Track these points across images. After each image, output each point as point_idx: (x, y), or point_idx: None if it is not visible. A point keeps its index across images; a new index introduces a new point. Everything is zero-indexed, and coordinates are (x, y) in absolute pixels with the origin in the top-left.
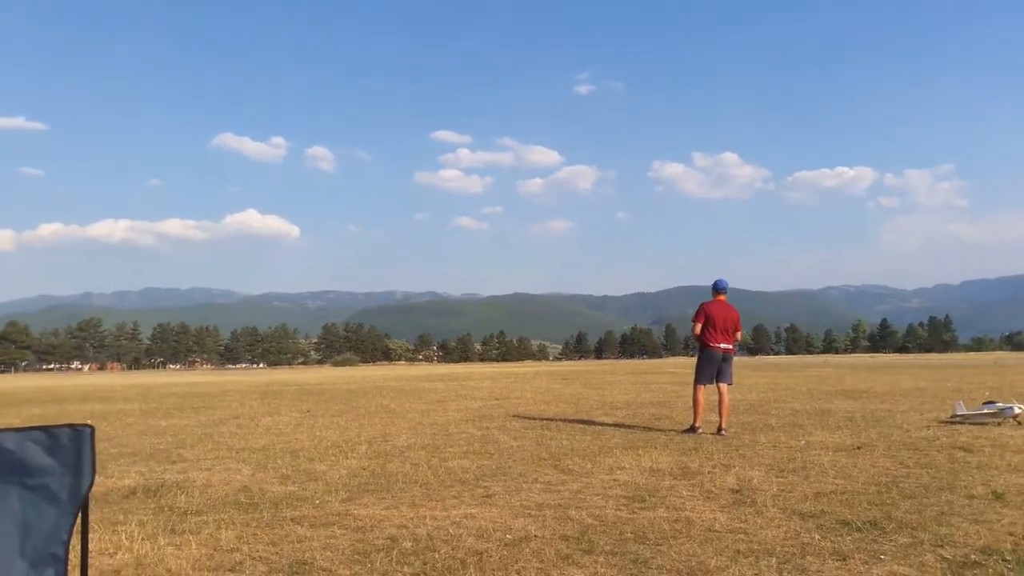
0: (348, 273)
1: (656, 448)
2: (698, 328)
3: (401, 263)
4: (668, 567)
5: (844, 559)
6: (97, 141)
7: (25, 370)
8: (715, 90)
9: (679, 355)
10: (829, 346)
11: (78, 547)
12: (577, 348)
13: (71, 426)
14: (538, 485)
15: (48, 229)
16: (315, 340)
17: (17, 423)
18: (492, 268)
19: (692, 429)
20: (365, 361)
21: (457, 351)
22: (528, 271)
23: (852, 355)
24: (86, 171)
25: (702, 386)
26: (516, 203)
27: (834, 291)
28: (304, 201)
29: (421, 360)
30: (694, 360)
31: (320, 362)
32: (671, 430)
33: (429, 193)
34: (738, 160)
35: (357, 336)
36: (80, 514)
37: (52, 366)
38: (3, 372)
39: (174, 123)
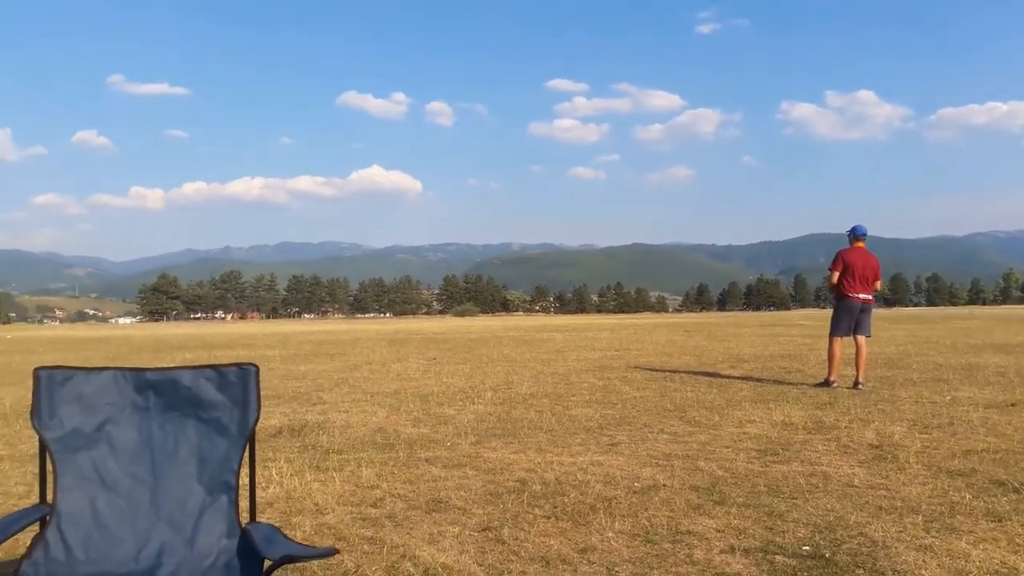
0: (467, 225)
1: (788, 402)
2: (835, 277)
3: (518, 215)
4: (805, 521)
5: (1000, 520)
6: (233, 103)
7: (175, 319)
8: (849, 23)
9: (809, 307)
10: (976, 296)
11: (245, 478)
12: (698, 300)
13: (238, 365)
14: (664, 435)
15: (192, 187)
16: (436, 291)
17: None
18: (609, 218)
19: (826, 383)
20: (484, 312)
21: (573, 302)
22: (646, 221)
23: (1003, 306)
24: (224, 132)
25: (839, 338)
26: (634, 151)
27: (982, 237)
28: (426, 156)
29: (538, 311)
30: (826, 312)
31: (441, 312)
32: (803, 384)
33: (544, 144)
34: (875, 98)
35: (476, 287)
36: (247, 446)
37: (199, 315)
38: (156, 320)
39: (302, 83)
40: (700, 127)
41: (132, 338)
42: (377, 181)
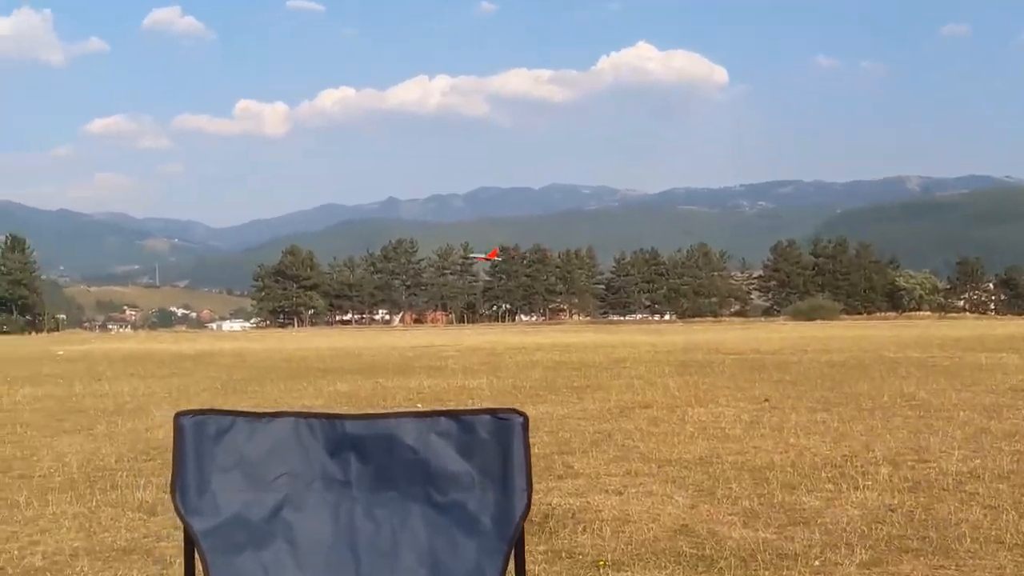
0: (814, 148)
1: None
2: None
3: (915, 126)
4: None
5: None
6: None
7: (311, 322)
8: None
9: None
10: None
11: None
12: None
13: (493, 413)
14: None
15: (332, 97)
16: (757, 273)
17: (319, 404)
18: None
19: None
20: (851, 310)
21: None
22: None
23: None
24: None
25: None
26: None
27: None
28: (734, 21)
29: (961, 308)
30: None
31: (769, 311)
32: None
33: None
34: None
35: (834, 263)
36: (513, 553)
37: (348, 316)
38: (282, 325)
39: None
40: None
41: (247, 355)
42: (646, 71)
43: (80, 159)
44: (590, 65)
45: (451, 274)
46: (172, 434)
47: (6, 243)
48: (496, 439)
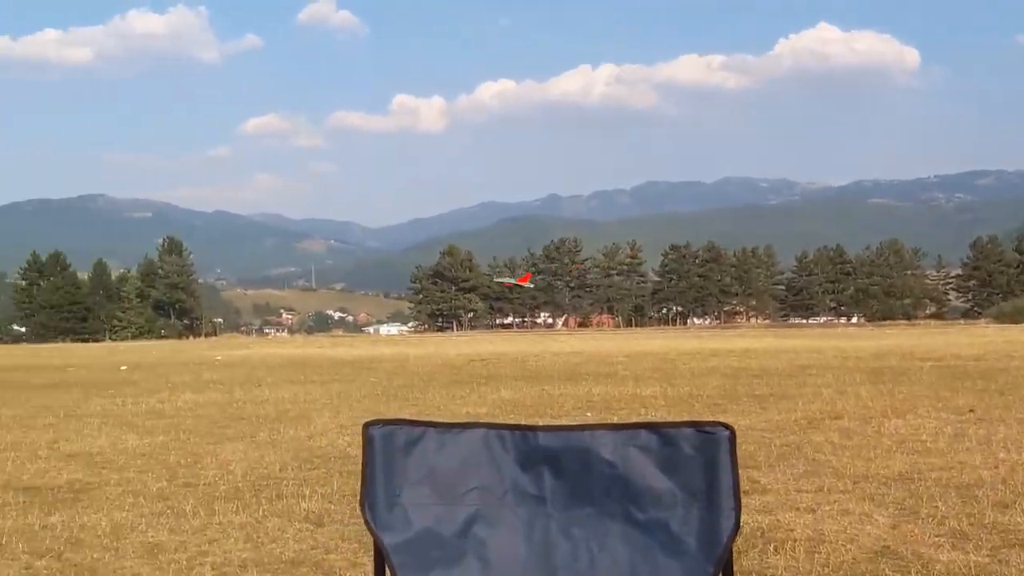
0: (1017, 134)
1: None
2: None
3: None
4: None
5: None
6: None
7: (471, 325)
8: None
9: None
10: None
11: None
12: None
13: (696, 426)
14: None
15: (491, 91)
16: (955, 272)
17: (483, 412)
18: None
19: None
20: None
21: None
22: None
23: None
24: None
25: None
26: None
27: None
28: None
29: None
30: None
31: (969, 313)
32: None
33: None
34: None
35: None
36: None
37: (509, 319)
38: (441, 329)
39: None
40: None
41: (406, 360)
42: (828, 54)
43: (235, 159)
44: (766, 49)
45: (617, 275)
46: (353, 444)
47: (163, 246)
48: (700, 453)
